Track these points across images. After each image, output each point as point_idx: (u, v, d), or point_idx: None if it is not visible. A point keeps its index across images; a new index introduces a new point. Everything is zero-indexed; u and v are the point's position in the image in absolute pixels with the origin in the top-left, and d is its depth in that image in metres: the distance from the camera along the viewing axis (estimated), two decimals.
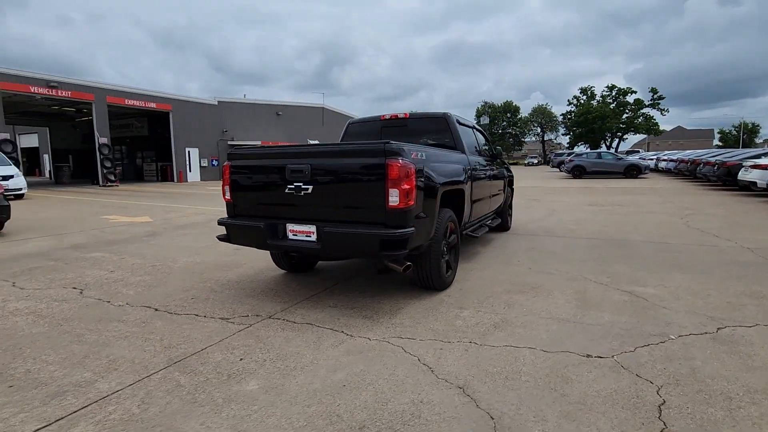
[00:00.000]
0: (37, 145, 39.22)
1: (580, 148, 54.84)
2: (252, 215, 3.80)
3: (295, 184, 3.47)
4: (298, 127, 35.16)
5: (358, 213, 3.31)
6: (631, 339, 2.86)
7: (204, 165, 27.66)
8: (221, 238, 3.93)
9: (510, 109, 66.86)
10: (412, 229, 3.20)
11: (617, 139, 59.55)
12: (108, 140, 21.73)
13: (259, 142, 29.14)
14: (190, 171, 26.76)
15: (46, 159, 34.55)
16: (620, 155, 26.45)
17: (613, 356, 2.62)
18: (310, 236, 3.44)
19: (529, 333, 3.00)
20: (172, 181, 26.17)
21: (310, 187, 3.42)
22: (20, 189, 14.46)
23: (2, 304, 3.88)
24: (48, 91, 19.46)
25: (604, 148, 55.85)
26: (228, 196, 3.92)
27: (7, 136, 18.04)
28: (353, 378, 2.42)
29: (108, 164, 21.58)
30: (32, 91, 18.99)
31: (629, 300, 3.65)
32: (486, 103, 68.07)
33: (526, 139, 71.92)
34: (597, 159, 24.46)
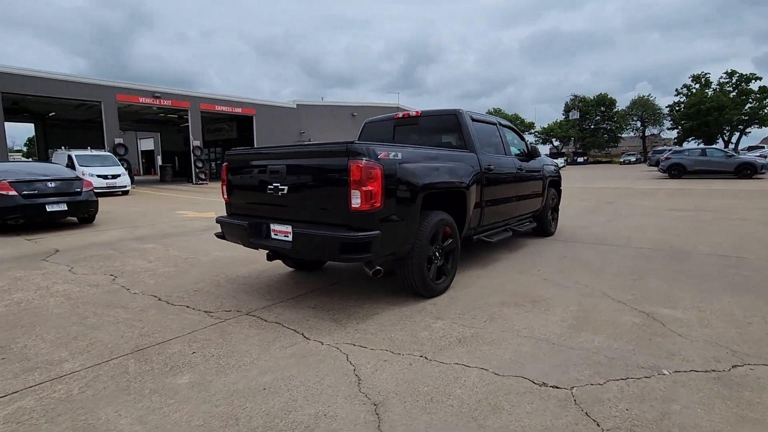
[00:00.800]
0: (152, 148, 45.13)
1: (690, 144, 48.22)
2: (243, 214, 3.95)
3: (273, 184, 3.54)
4: None
5: (328, 214, 3.27)
6: (610, 370, 2.44)
7: None
8: (218, 236, 4.14)
9: (604, 102, 61.12)
10: (377, 232, 3.07)
11: (737, 133, 51.29)
12: (200, 143, 24.24)
13: None
14: None
15: (159, 160, 39.62)
16: (730, 152, 22.66)
17: (572, 388, 2.26)
18: (287, 236, 3.47)
19: (493, 352, 2.71)
20: None
21: (286, 188, 3.45)
22: (125, 186, 16.75)
23: (50, 285, 4.51)
24: (153, 101, 22.30)
25: (720, 144, 48.53)
26: (225, 195, 4.12)
27: (121, 140, 21.04)
28: (278, 382, 2.39)
29: (200, 164, 24.09)
30: (141, 101, 21.91)
31: (640, 323, 3.11)
32: (576, 96, 63.12)
33: (623, 135, 65.18)
34: (700, 156, 21.21)
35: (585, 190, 15.65)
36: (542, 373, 2.42)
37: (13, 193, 7.78)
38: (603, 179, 21.48)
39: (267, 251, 3.78)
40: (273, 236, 3.61)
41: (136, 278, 4.72)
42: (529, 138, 68.54)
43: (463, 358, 2.62)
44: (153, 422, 2.05)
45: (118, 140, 20.83)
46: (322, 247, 3.17)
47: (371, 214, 3.06)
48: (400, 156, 3.33)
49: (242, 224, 3.72)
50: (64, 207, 8.24)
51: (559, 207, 7.28)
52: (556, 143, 65.32)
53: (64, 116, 27.15)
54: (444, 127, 4.76)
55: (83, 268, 5.27)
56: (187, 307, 3.73)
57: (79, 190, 8.61)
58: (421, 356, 2.67)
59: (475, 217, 4.43)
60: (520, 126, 65.22)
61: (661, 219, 8.15)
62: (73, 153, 16.82)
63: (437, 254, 3.83)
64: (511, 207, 5.31)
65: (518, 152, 5.93)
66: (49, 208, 8.06)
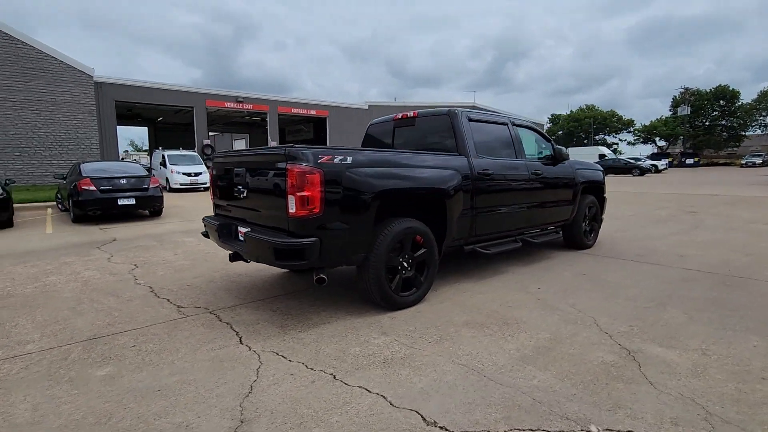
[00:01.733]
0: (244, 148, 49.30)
1: None
2: (221, 215, 4.09)
3: (238, 187, 3.60)
4: None
5: (275, 219, 3.24)
6: (524, 416, 2.05)
7: None
8: (203, 234, 4.34)
9: (724, 95, 52.82)
10: (313, 239, 2.96)
11: None
12: (277, 143, 25.89)
13: None
14: None
15: None
16: None
17: None
18: (243, 239, 3.51)
19: (409, 378, 2.45)
20: None
21: (245, 191, 3.49)
22: (205, 183, 18.49)
23: (81, 271, 5.11)
24: (236, 105, 24.34)
25: None
26: (212, 196, 4.30)
27: (208, 141, 23.33)
28: (177, 385, 2.41)
29: None
30: (226, 106, 24.05)
31: (611, 362, 2.60)
32: (686, 89, 55.55)
33: (747, 133, 55.76)
34: None
35: (672, 196, 13.71)
36: (443, 410, 2.12)
37: (92, 188, 9.00)
38: (708, 184, 18.55)
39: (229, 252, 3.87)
40: (240, 238, 3.68)
41: (150, 269, 5.15)
42: (627, 137, 61.87)
43: (371, 382, 2.41)
44: (43, 410, 2.18)
45: (206, 141, 23.13)
46: (263, 252, 3.14)
47: (308, 221, 2.96)
48: (349, 160, 3.16)
49: (214, 224, 3.84)
50: (132, 201, 9.33)
51: (603, 216, 6.44)
52: (660, 143, 58.16)
53: (169, 120, 30.84)
54: (438, 128, 4.44)
55: (120, 257, 5.89)
56: (168, 300, 3.96)
57: (146, 186, 9.68)
58: (331, 374, 2.51)
59: (462, 226, 4.08)
60: (615, 124, 59.31)
61: (749, 235, 6.79)
62: (166, 153, 19.01)
63: (405, 264, 3.59)
64: (522, 216, 4.80)
65: (540, 155, 5.37)
66: (120, 202, 9.19)
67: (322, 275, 3.17)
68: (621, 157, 40.10)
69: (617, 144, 61.57)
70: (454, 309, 3.58)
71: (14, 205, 9.30)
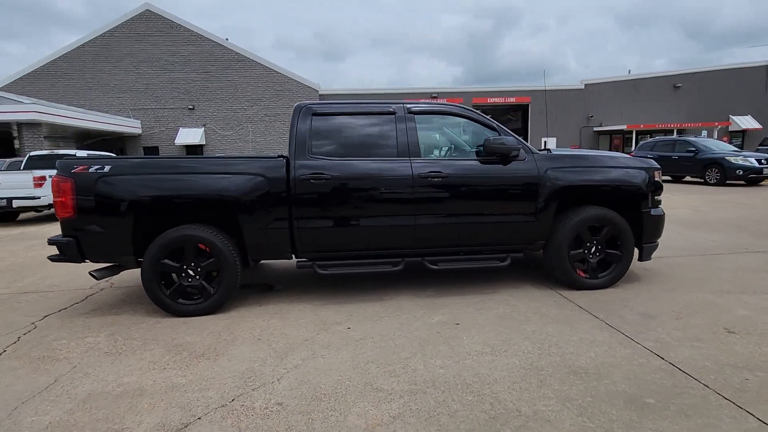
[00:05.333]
0: None
1: None
2: None
3: None
4: (713, 99, 26.43)
5: None
6: None
7: None
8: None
9: None
10: (67, 239, 3.40)
11: None
12: None
13: (625, 126, 24.72)
14: None
15: None
16: None
17: None
18: None
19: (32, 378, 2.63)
20: None
21: None
22: None
23: None
24: (432, 101, 25.45)
25: None
26: None
27: None
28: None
29: None
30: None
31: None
32: None
33: None
34: None
35: None
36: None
37: None
38: None
39: None
40: None
41: None
42: None
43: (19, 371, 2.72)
44: None
45: None
46: None
47: (66, 223, 3.42)
48: (106, 169, 3.40)
49: None
50: None
51: (655, 242, 3.99)
52: None
53: None
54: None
55: None
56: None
57: None
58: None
59: (276, 238, 3.58)
60: None
61: None
62: None
63: (190, 272, 3.54)
64: (408, 231, 3.69)
65: (471, 149, 3.93)
66: None
67: (92, 271, 3.57)
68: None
69: None
70: (213, 329, 3.30)
71: None
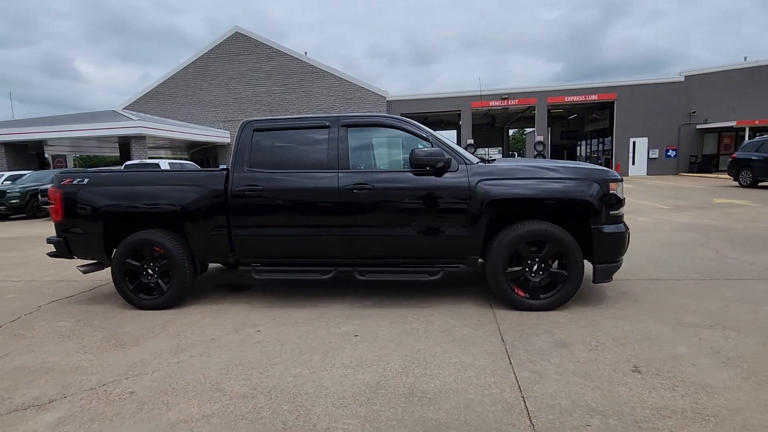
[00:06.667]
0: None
1: None
2: None
3: None
4: None
5: None
6: None
7: (654, 156, 23.68)
8: None
9: None
10: (58, 239, 4.14)
11: None
12: (543, 137, 24.04)
13: (734, 123, 21.15)
14: (632, 164, 23.94)
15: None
16: None
17: None
18: None
19: None
20: None
21: None
22: None
23: None
24: (501, 103, 24.41)
25: None
26: None
27: (471, 141, 24.79)
28: None
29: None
30: (491, 105, 24.58)
31: None
32: None
33: None
34: None
35: None
36: None
37: None
38: None
39: None
40: None
41: None
42: None
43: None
44: None
45: (469, 141, 24.70)
46: None
47: (58, 225, 4.15)
48: (86, 181, 4.06)
49: None
50: None
51: (617, 262, 3.55)
52: None
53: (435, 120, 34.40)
54: None
55: None
56: None
57: None
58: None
59: (216, 244, 3.94)
60: None
61: None
62: None
63: (149, 271, 4.06)
64: (337, 240, 3.80)
65: (402, 162, 3.91)
66: None
67: (79, 266, 4.27)
68: None
69: None
70: (144, 325, 3.75)
71: None
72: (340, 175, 3.79)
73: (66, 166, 30.70)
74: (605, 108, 27.03)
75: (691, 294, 3.87)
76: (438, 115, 28.86)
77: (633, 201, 11.50)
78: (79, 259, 4.32)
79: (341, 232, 3.80)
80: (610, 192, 3.54)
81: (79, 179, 4.13)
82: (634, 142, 23.99)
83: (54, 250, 4.28)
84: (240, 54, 25.82)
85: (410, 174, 3.76)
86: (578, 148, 35.22)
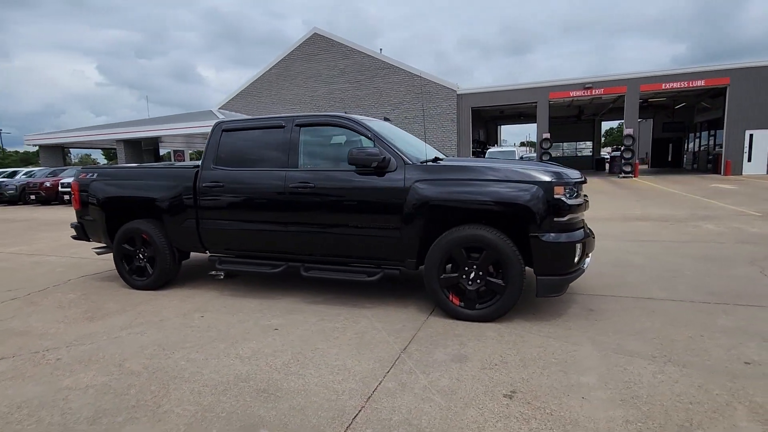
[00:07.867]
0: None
1: None
2: None
3: None
4: None
5: None
6: None
7: None
8: None
9: None
10: (78, 224, 4.89)
11: None
12: (632, 131, 21.44)
13: None
14: (748, 161, 20.22)
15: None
16: None
17: None
18: None
19: None
20: (717, 173, 21.09)
21: None
22: None
23: None
24: (584, 93, 22.24)
25: None
26: None
27: (547, 135, 23.04)
28: None
29: (627, 155, 21.44)
30: (572, 95, 22.53)
31: None
32: None
33: None
34: None
35: None
36: None
37: None
38: None
39: None
40: None
41: None
42: None
43: None
44: None
45: (545, 135, 22.98)
46: None
47: (77, 212, 4.90)
48: (94, 176, 4.72)
49: None
50: None
51: (563, 272, 3.17)
52: None
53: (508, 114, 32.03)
54: None
55: None
56: None
57: None
58: None
59: (187, 235, 4.33)
60: None
61: None
62: (491, 149, 21.09)
63: (140, 256, 4.62)
64: (291, 237, 3.95)
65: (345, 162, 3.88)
66: None
67: (94, 248, 4.99)
68: None
69: None
70: (119, 301, 4.26)
71: None
72: (288, 173, 3.92)
73: (184, 160, 35.98)
74: (718, 95, 23.21)
75: (672, 319, 3.29)
76: (516, 108, 27.38)
77: (719, 205, 9.86)
78: (94, 242, 5.07)
79: (289, 228, 3.93)
80: (555, 197, 3.16)
81: (90, 174, 4.83)
82: (751, 135, 20.24)
83: (75, 233, 5.07)
84: (317, 54, 27.11)
85: (353, 173, 3.74)
86: (685, 142, 30.87)
